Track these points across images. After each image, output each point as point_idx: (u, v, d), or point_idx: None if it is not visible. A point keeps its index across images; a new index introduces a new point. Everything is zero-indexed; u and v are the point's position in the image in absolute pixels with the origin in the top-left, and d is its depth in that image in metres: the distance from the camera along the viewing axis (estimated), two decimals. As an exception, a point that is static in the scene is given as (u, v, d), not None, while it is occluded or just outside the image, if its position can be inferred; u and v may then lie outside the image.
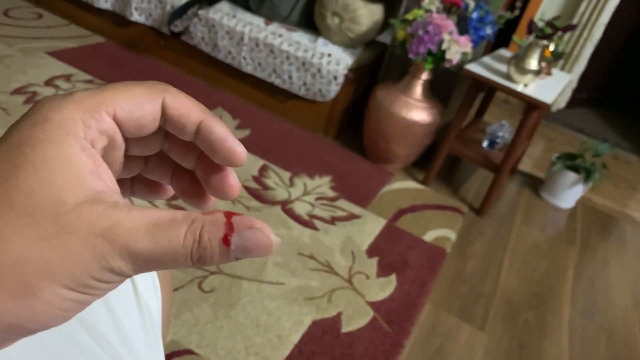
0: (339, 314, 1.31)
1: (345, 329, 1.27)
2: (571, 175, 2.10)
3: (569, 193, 2.17)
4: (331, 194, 1.80)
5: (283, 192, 1.73)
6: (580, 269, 1.85)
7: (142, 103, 0.22)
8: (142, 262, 0.19)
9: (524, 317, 1.54)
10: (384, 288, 1.44)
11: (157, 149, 0.25)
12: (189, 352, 1.10)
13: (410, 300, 1.42)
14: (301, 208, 1.67)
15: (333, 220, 1.66)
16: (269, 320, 1.23)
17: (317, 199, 1.75)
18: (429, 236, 1.73)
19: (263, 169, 1.83)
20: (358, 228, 1.66)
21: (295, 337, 1.21)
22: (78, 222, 0.18)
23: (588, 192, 2.35)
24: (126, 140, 0.24)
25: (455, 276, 1.62)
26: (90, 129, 0.20)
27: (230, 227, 0.19)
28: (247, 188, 1.70)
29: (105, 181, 0.20)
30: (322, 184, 1.84)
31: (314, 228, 1.60)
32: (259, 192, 1.70)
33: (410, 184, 2.02)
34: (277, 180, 1.79)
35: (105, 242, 0.18)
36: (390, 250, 1.60)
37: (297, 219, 1.62)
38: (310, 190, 1.79)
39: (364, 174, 1.99)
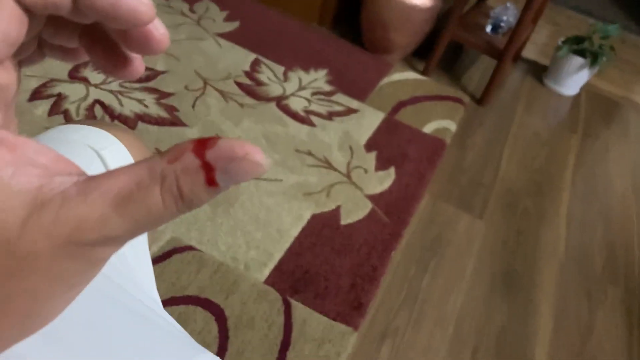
0: (338, 208, 1.31)
1: (345, 221, 1.28)
2: (577, 60, 2.01)
3: (574, 79, 2.09)
4: (328, 88, 1.73)
5: (277, 88, 1.66)
6: (581, 157, 1.83)
7: None
8: (125, 240, 0.16)
9: (523, 205, 1.55)
10: (383, 181, 1.43)
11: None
12: (190, 248, 1.11)
13: (409, 192, 1.42)
14: (297, 104, 1.62)
15: (330, 116, 1.61)
16: (268, 216, 1.23)
17: (313, 94, 1.69)
18: (429, 128, 1.69)
19: (255, 64, 1.74)
20: (356, 122, 1.62)
21: (295, 231, 1.22)
22: (36, 243, 0.14)
23: (593, 78, 2.27)
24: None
25: (455, 167, 1.60)
26: None
27: (208, 167, 0.15)
28: (239, 84, 1.63)
29: (35, 162, 0.15)
30: (318, 78, 1.77)
31: (311, 124, 1.55)
32: (251, 88, 1.63)
33: (410, 75, 1.94)
34: (271, 75, 1.71)
35: (78, 248, 0.15)
36: (389, 144, 1.57)
37: (293, 115, 1.57)
38: (306, 85, 1.72)
39: (362, 66, 1.91)
